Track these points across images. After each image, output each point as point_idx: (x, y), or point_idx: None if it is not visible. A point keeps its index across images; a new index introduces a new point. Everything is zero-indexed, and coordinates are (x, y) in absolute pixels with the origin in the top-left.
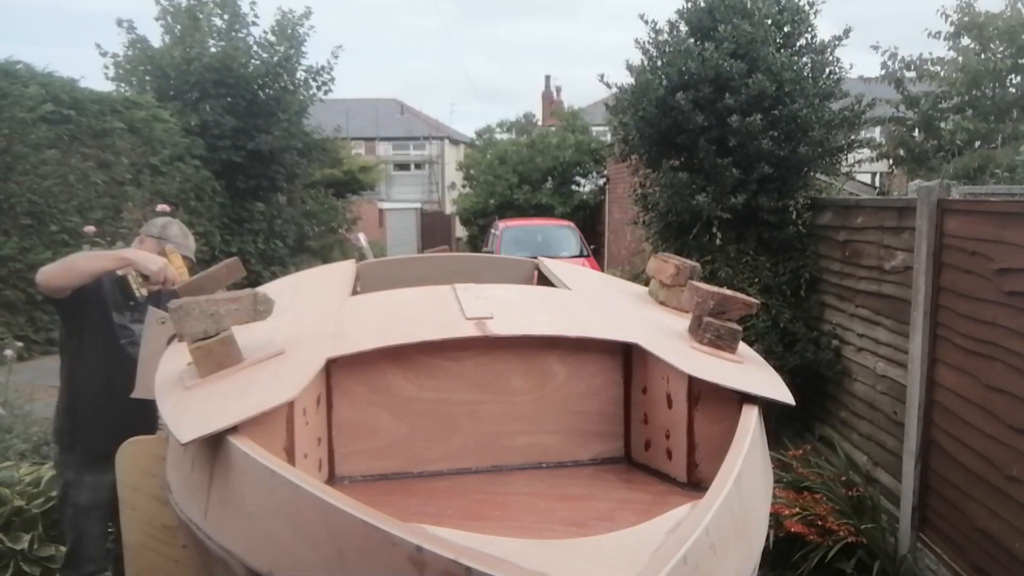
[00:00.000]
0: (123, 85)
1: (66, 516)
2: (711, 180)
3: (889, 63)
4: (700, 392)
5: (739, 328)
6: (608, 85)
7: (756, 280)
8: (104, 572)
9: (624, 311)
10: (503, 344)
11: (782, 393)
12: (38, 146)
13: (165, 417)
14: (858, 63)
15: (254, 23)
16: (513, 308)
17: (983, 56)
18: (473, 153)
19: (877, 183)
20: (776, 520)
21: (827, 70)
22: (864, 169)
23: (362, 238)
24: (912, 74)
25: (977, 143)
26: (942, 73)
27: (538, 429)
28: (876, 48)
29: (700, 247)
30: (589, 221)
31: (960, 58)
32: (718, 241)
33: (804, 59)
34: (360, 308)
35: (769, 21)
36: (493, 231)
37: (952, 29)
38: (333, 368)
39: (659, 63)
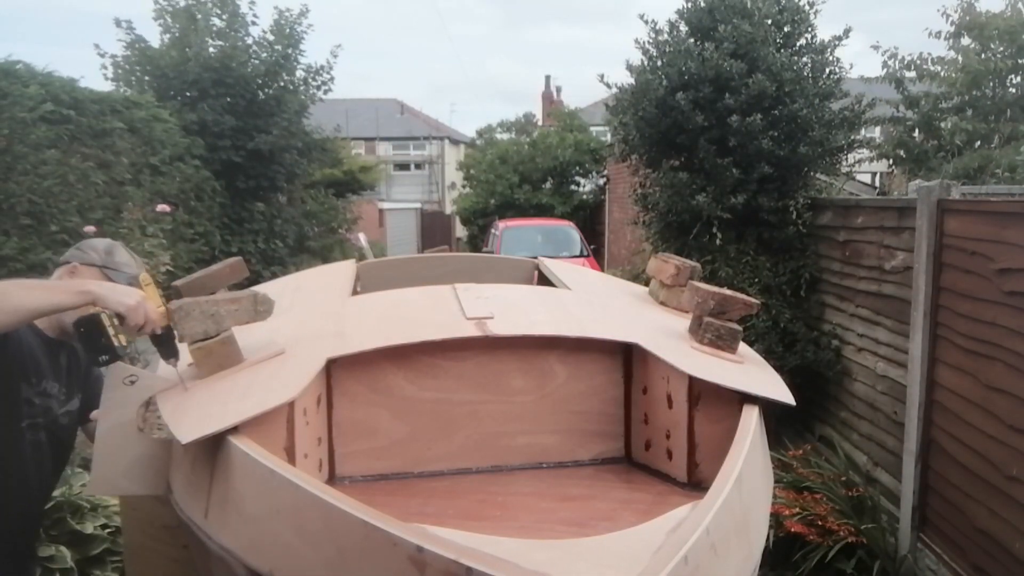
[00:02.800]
0: (122, 85)
1: None
2: (711, 180)
3: (889, 63)
4: (700, 392)
5: (739, 328)
6: (608, 85)
7: (756, 280)
8: None
9: (624, 311)
10: (503, 344)
11: (782, 393)
12: (38, 146)
13: (166, 418)
14: (859, 64)
15: (253, 23)
16: (513, 308)
17: (983, 56)
18: (474, 153)
19: (877, 183)
20: (776, 520)
21: (827, 70)
22: (864, 169)
23: (362, 238)
24: (912, 74)
25: (977, 143)
26: (942, 73)
27: (538, 429)
28: (876, 48)
29: (700, 247)
30: (589, 221)
31: (960, 58)
32: (718, 241)
33: (804, 59)
34: (360, 308)
35: (769, 21)
36: (493, 231)
37: (952, 29)
38: (333, 368)
39: (659, 63)
